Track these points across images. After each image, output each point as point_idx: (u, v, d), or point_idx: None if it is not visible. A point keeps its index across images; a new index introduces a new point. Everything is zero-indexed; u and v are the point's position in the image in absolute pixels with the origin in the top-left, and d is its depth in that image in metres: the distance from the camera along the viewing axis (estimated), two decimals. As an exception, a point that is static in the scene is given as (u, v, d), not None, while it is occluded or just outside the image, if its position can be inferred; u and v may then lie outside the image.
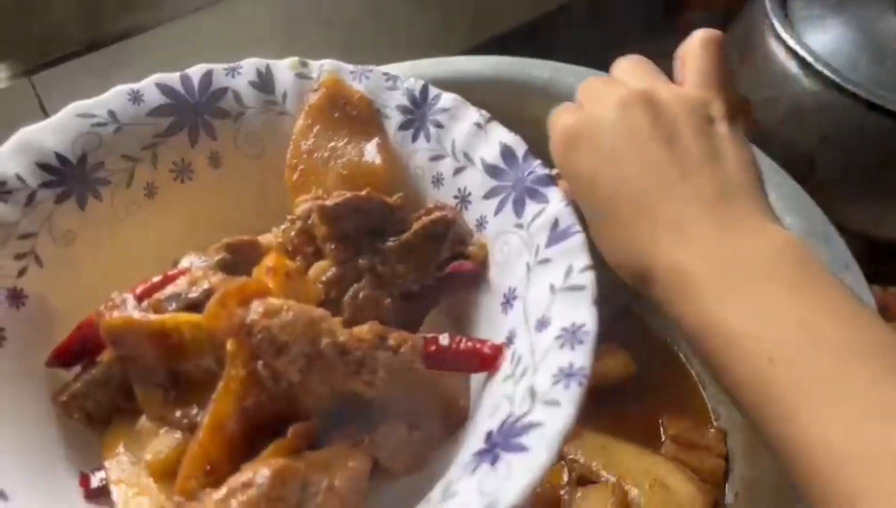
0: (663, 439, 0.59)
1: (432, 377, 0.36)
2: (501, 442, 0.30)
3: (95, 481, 0.36)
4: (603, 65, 0.42)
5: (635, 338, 0.63)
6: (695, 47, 0.38)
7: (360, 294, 0.38)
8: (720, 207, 0.33)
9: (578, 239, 0.34)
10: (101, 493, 0.35)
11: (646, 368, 0.62)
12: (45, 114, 0.62)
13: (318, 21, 0.80)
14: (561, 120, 0.37)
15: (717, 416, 0.61)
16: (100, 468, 0.36)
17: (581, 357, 0.30)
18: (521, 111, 0.45)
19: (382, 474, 0.35)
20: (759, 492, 0.53)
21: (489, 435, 0.31)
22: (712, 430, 0.59)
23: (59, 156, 0.40)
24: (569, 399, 0.29)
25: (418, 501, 0.32)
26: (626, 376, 0.61)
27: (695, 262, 0.32)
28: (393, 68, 0.50)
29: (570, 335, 0.31)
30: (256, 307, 0.32)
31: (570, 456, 0.56)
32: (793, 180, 0.53)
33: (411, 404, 0.36)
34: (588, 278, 0.33)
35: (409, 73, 0.45)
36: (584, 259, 0.33)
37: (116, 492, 0.34)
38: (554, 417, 0.29)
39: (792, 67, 0.66)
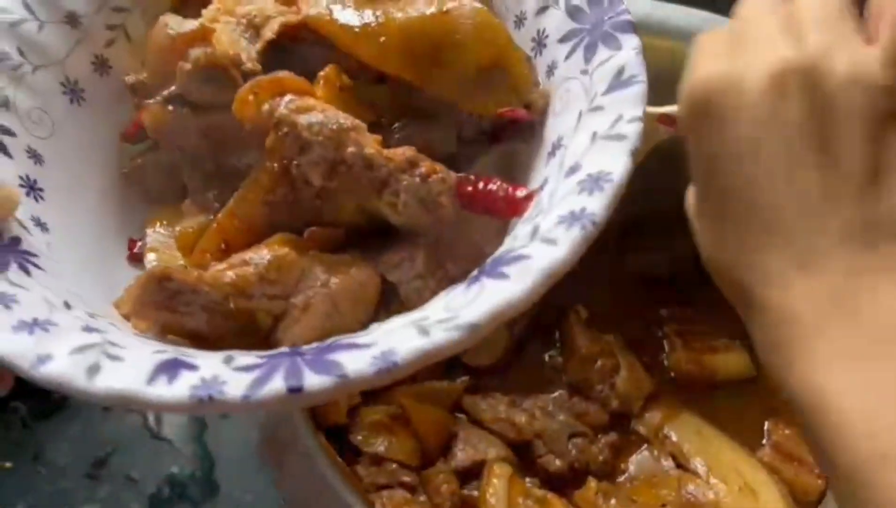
0: (764, 442, 0.54)
1: (467, 220, 0.35)
2: (487, 270, 0.28)
3: (138, 247, 0.38)
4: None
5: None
6: None
7: (411, 126, 0.37)
8: (862, 248, 0.27)
9: (637, 89, 0.31)
10: (141, 258, 0.38)
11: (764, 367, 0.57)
12: None
13: None
14: (703, 65, 0.29)
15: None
16: (144, 236, 0.39)
17: (595, 203, 0.28)
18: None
19: (398, 305, 0.35)
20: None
21: (482, 268, 0.29)
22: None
23: None
24: (566, 239, 0.27)
25: None
26: (740, 376, 0.56)
27: (812, 309, 0.27)
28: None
29: (593, 182, 0.29)
30: (287, 102, 0.32)
31: (663, 432, 0.53)
32: None
33: (437, 240, 0.35)
34: (633, 129, 0.30)
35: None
36: (636, 110, 0.31)
37: (148, 257, 0.37)
38: (543, 253, 0.27)
39: None
